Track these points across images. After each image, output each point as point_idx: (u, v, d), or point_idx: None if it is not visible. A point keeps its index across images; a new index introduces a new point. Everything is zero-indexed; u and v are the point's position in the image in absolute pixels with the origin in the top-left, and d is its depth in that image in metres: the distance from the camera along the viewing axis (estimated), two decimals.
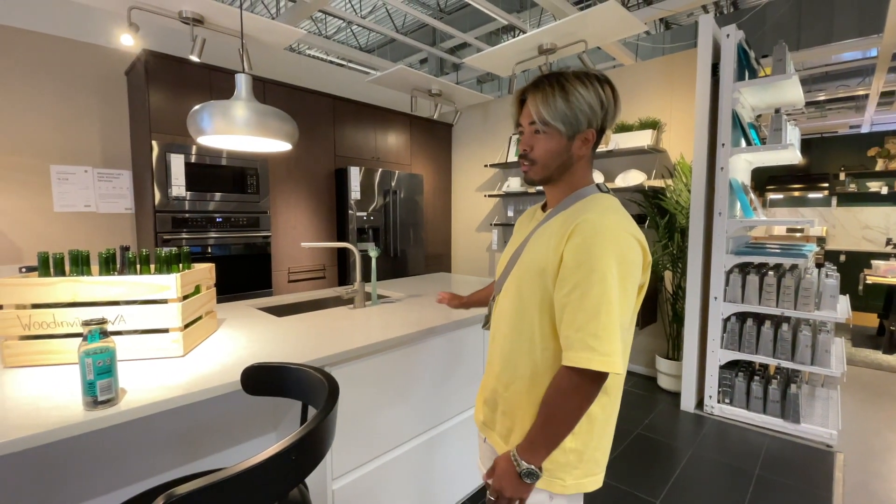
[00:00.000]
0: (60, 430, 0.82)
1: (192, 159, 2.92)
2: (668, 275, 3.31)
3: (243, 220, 3.21)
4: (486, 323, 1.13)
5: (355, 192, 3.85)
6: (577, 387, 0.80)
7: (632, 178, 3.31)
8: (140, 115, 2.91)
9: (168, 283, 1.19)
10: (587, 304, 0.79)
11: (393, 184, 4.15)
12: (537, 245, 0.91)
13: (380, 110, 4.20)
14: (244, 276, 3.22)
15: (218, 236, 3.08)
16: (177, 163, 2.85)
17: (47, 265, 1.18)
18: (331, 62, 4.67)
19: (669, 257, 3.14)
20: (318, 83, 3.96)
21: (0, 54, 2.63)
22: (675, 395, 3.10)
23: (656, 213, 3.21)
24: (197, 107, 1.45)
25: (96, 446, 1.15)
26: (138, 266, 1.26)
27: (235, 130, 1.43)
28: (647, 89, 3.44)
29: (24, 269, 2.67)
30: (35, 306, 1.14)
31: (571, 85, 0.87)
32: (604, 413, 0.90)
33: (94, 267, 1.27)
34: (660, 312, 3.38)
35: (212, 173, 3.03)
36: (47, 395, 0.97)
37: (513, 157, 4.25)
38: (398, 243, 4.27)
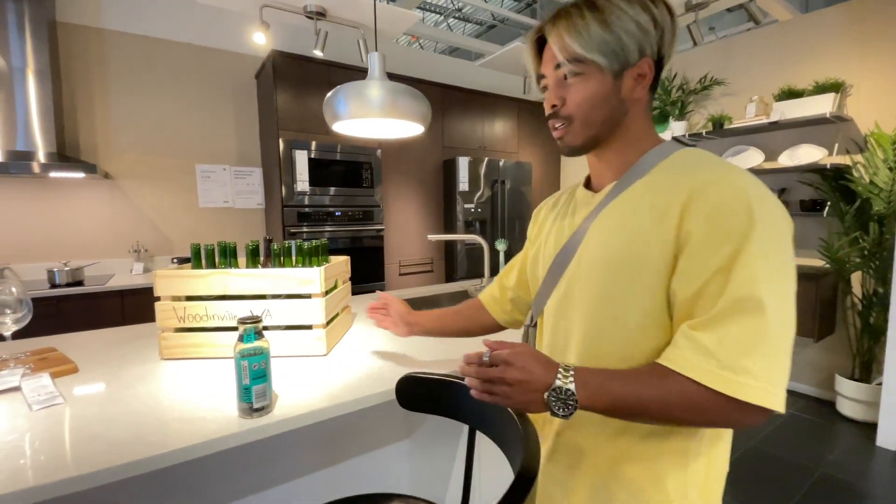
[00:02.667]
0: (217, 441, 0.75)
1: (313, 155, 2.99)
2: (856, 276, 2.64)
3: (359, 214, 3.24)
4: None
5: (463, 184, 3.71)
6: (713, 413, 0.51)
7: (804, 154, 2.69)
8: (268, 114, 3.05)
9: (312, 277, 1.11)
10: (744, 303, 0.50)
11: (500, 173, 3.94)
12: (613, 229, 0.62)
13: (487, 97, 4.00)
14: (359, 268, 3.26)
15: (335, 229, 3.14)
16: (301, 159, 2.94)
17: (199, 256, 1.17)
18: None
19: (860, 253, 2.49)
20: (426, 73, 3.88)
21: (150, 65, 2.92)
22: (866, 427, 2.47)
23: (840, 199, 2.58)
24: (332, 91, 1.37)
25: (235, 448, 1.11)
26: (282, 258, 1.20)
27: (371, 112, 1.31)
28: (822, 45, 2.78)
29: (175, 260, 2.95)
30: (189, 298, 1.13)
31: (607, 0, 0.60)
32: (723, 456, 0.63)
33: (241, 259, 1.24)
34: (842, 322, 2.73)
35: (330, 168, 3.08)
36: (201, 397, 0.92)
37: None
38: (505, 235, 4.05)
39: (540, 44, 0.68)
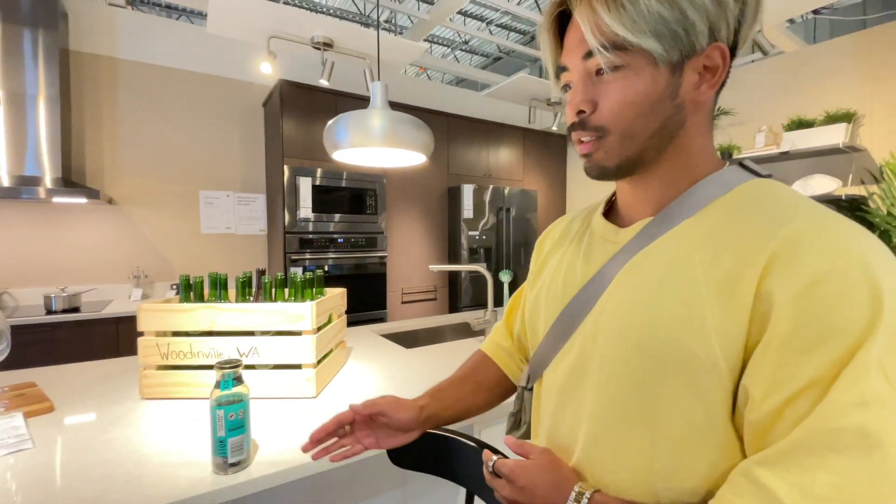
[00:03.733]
0: (186, 502, 0.67)
1: (318, 181, 2.98)
2: None
3: (362, 241, 3.21)
4: (517, 427, 0.65)
5: (467, 211, 3.68)
6: None
7: (817, 185, 2.63)
8: (274, 141, 3.06)
9: (303, 313, 1.05)
10: (846, 438, 0.32)
11: (505, 201, 3.91)
12: (650, 290, 0.44)
13: (493, 125, 4.02)
14: (361, 296, 3.19)
15: (338, 256, 3.10)
16: (305, 185, 2.93)
17: (189, 289, 1.11)
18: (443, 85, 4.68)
19: None
20: (433, 102, 3.92)
21: (158, 93, 2.96)
22: None
23: None
24: (332, 120, 1.34)
25: None
26: (273, 291, 1.15)
27: (371, 141, 1.28)
28: (831, 75, 2.76)
29: (174, 287, 2.91)
30: (175, 334, 1.07)
31: None
32: None
33: (232, 291, 1.19)
34: None
35: (334, 195, 3.07)
36: (177, 444, 0.85)
37: None
38: (510, 264, 3.99)
39: (562, 23, 0.49)
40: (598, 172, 0.48)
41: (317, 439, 0.61)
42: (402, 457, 0.75)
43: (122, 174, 2.85)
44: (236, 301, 1.12)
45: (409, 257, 3.59)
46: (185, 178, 3.03)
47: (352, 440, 0.64)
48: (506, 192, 3.90)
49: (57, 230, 2.68)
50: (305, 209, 2.95)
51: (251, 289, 1.16)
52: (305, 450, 0.62)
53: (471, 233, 3.72)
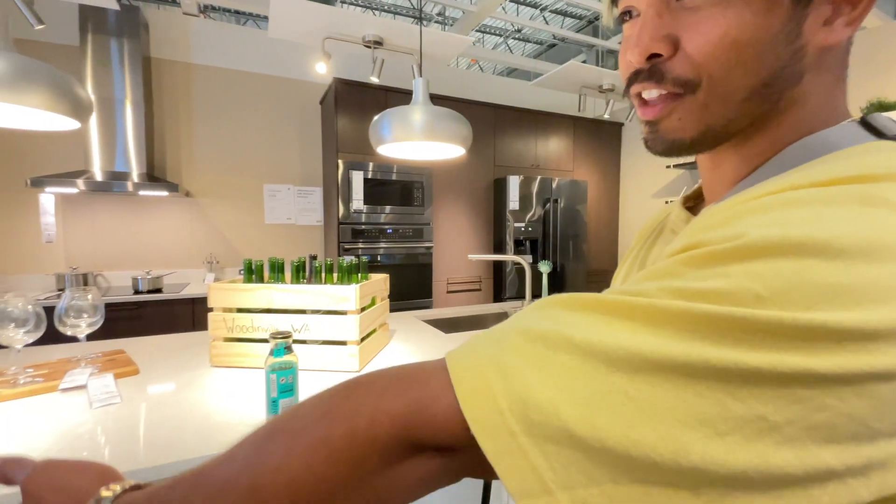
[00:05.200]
0: None
1: (369, 175, 3.12)
2: None
3: (409, 232, 3.32)
4: None
5: (513, 202, 3.68)
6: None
7: None
8: (330, 137, 3.24)
9: (348, 295, 1.15)
10: None
11: (553, 192, 3.86)
12: None
13: (541, 115, 3.97)
14: (407, 285, 3.31)
15: (387, 246, 3.23)
16: (357, 179, 3.08)
17: (250, 271, 1.25)
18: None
19: None
20: (479, 94, 3.94)
21: (227, 94, 3.22)
22: None
23: None
24: (377, 116, 1.43)
25: None
26: (323, 275, 1.26)
27: (413, 136, 1.36)
28: None
29: (241, 272, 3.18)
30: (239, 310, 1.21)
31: None
32: None
33: (287, 274, 1.32)
34: None
35: (384, 187, 3.19)
36: (239, 405, 0.98)
37: None
38: (557, 256, 3.94)
39: None
40: (666, 147, 0.34)
41: None
42: None
43: (196, 169, 3.14)
44: (291, 283, 1.24)
45: (455, 248, 3.67)
46: (250, 173, 3.29)
47: None
48: (554, 183, 3.85)
49: (142, 220, 3.02)
50: (358, 201, 3.10)
51: (304, 272, 1.28)
52: None
53: (517, 224, 3.72)
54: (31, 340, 1.04)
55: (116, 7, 2.15)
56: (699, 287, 0.22)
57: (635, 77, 0.33)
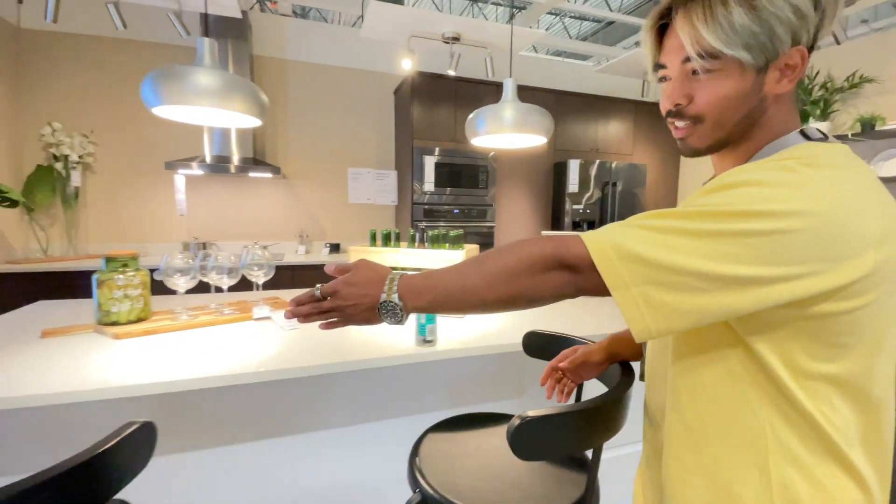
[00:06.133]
0: (402, 357, 1.12)
1: (439, 159, 3.42)
2: None
3: (474, 212, 3.61)
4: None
5: (572, 185, 3.86)
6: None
7: (892, 166, 2.36)
8: (404, 125, 3.56)
9: (457, 257, 1.46)
10: None
11: (611, 175, 3.99)
12: None
13: (602, 100, 4.08)
14: None
15: (454, 225, 3.54)
16: (429, 163, 3.39)
17: (375, 238, 1.59)
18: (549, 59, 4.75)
19: None
20: (543, 79, 4.10)
21: (316, 86, 3.60)
22: None
23: None
24: (473, 113, 1.71)
25: (400, 380, 1.50)
26: (433, 243, 1.58)
27: (504, 129, 1.63)
28: None
29: (327, 245, 3.61)
30: None
31: None
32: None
33: (404, 243, 1.65)
34: None
35: (452, 171, 3.49)
36: (391, 335, 1.32)
37: None
38: None
39: (663, 26, 0.58)
40: (691, 152, 0.59)
41: (552, 386, 0.91)
42: (534, 352, 1.12)
43: (291, 154, 3.58)
44: (408, 248, 1.57)
45: (515, 228, 3.92)
46: (336, 157, 3.70)
47: (568, 381, 0.91)
48: (612, 166, 3.98)
49: (248, 198, 3.51)
50: (429, 183, 3.42)
51: (416, 241, 1.61)
52: (549, 392, 0.92)
53: (574, 206, 3.91)
54: (233, 283, 1.43)
55: (239, 16, 2.54)
56: (703, 202, 0.49)
57: (669, 114, 0.59)
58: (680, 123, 0.58)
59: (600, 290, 0.50)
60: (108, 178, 3.17)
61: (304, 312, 0.61)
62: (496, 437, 1.03)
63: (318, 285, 0.60)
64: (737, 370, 0.52)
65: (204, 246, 3.26)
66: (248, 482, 1.31)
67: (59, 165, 2.96)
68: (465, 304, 0.57)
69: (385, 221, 3.89)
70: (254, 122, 1.46)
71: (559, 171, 3.95)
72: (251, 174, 3.20)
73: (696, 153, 0.59)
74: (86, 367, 1.00)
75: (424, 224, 3.46)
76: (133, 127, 3.19)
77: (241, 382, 1.01)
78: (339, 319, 0.61)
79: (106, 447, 0.57)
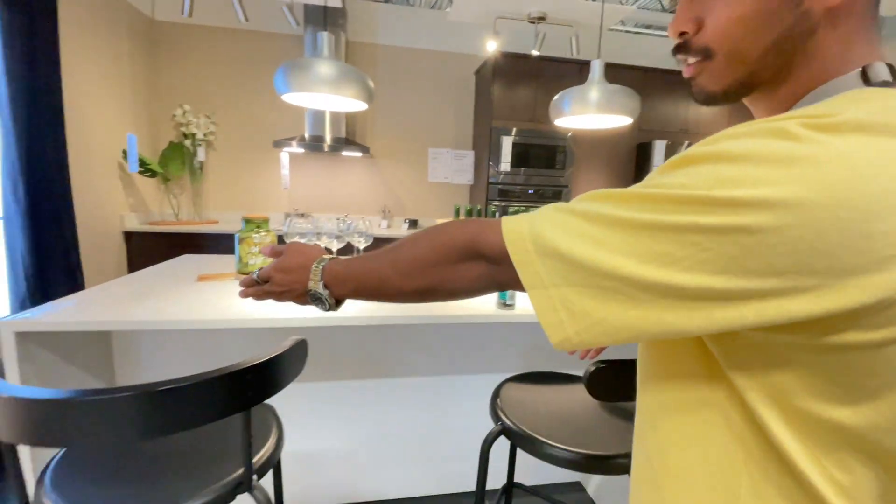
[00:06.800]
0: (485, 317, 1.27)
1: (516, 139, 3.47)
2: None
3: (549, 193, 3.63)
4: None
5: (658, 167, 3.71)
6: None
7: None
8: (484, 105, 3.64)
9: None
10: None
11: None
12: None
13: None
14: None
15: (527, 205, 3.60)
16: (506, 143, 3.46)
17: (459, 213, 1.74)
18: (636, 32, 4.47)
19: None
20: (626, 56, 3.94)
21: (401, 69, 3.79)
22: None
23: None
24: (558, 95, 1.77)
25: (479, 340, 1.66)
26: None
27: (589, 110, 1.68)
28: None
29: (407, 221, 3.85)
30: None
31: None
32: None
33: (488, 217, 1.78)
34: None
35: (529, 151, 3.52)
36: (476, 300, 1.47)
37: None
38: None
39: None
40: (704, 97, 0.44)
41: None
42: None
43: (377, 134, 3.84)
44: None
45: None
46: (418, 137, 3.90)
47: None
48: None
49: (340, 174, 3.83)
50: (505, 164, 3.50)
51: (499, 216, 1.73)
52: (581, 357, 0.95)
53: None
54: (340, 247, 1.67)
55: (340, 5, 2.76)
56: (657, 181, 0.35)
57: (675, 49, 0.45)
58: (689, 59, 0.44)
59: (521, 286, 0.41)
60: (225, 154, 3.64)
61: (248, 294, 0.64)
62: (564, 392, 1.15)
63: (257, 269, 0.64)
64: (711, 402, 0.40)
65: (302, 216, 3.64)
66: (341, 417, 1.56)
67: (187, 142, 3.46)
68: (384, 294, 0.54)
69: (460, 200, 4.05)
70: (362, 105, 1.66)
71: (643, 152, 3.82)
72: (344, 153, 3.50)
73: (712, 99, 0.44)
74: (237, 305, 1.26)
75: (496, 204, 3.56)
76: (247, 108, 3.61)
77: (355, 324, 1.22)
78: (275, 300, 0.63)
79: (277, 353, 0.78)
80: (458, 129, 3.97)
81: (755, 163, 0.31)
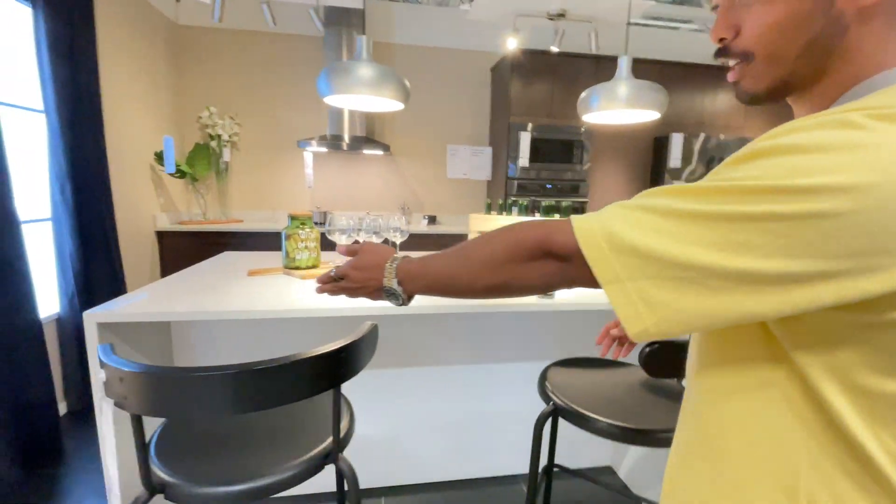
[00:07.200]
0: (528, 306, 1.33)
1: (534, 135, 3.52)
2: None
3: (567, 187, 3.67)
4: None
5: (675, 160, 3.74)
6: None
7: None
8: (501, 101, 3.69)
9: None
10: None
11: (717, 150, 3.79)
12: None
13: (713, 70, 3.85)
14: None
15: (545, 199, 3.64)
16: (524, 139, 3.51)
17: (490, 208, 1.80)
18: (658, 26, 4.48)
19: None
20: (642, 50, 3.96)
21: (420, 67, 3.84)
22: None
23: None
24: (586, 91, 1.82)
25: (523, 327, 1.73)
26: (539, 212, 1.75)
27: (617, 106, 1.72)
28: None
29: (426, 217, 3.92)
30: None
31: None
32: None
33: (515, 211, 1.84)
34: None
35: (547, 146, 3.57)
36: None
37: None
38: None
39: None
40: (749, 98, 0.47)
41: (608, 344, 0.95)
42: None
43: (396, 132, 3.90)
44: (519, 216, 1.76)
45: (608, 203, 3.89)
46: (436, 135, 3.96)
47: (624, 347, 0.96)
48: (720, 140, 3.78)
49: (361, 173, 3.91)
50: (523, 159, 3.54)
51: (527, 212, 1.79)
52: (604, 350, 0.96)
53: (674, 182, 3.79)
54: (379, 241, 1.74)
55: (361, 6, 2.82)
56: (726, 175, 0.38)
57: (716, 53, 0.49)
58: (731, 62, 0.48)
59: (593, 282, 0.43)
60: (249, 154, 3.73)
61: (325, 290, 0.68)
62: (605, 374, 1.21)
63: (335, 267, 0.68)
64: (772, 382, 0.42)
65: (324, 215, 3.73)
66: (385, 403, 1.64)
67: (213, 144, 3.55)
68: (456, 291, 0.57)
69: (478, 196, 4.10)
70: (399, 105, 1.72)
71: (659, 145, 3.84)
72: (364, 151, 3.57)
73: (755, 100, 0.47)
74: (292, 294, 1.34)
75: (522, 199, 3.61)
76: (270, 109, 3.69)
77: (399, 314, 1.29)
78: (351, 296, 0.68)
79: (362, 335, 0.85)
80: (474, 125, 4.03)
81: (826, 152, 0.33)
